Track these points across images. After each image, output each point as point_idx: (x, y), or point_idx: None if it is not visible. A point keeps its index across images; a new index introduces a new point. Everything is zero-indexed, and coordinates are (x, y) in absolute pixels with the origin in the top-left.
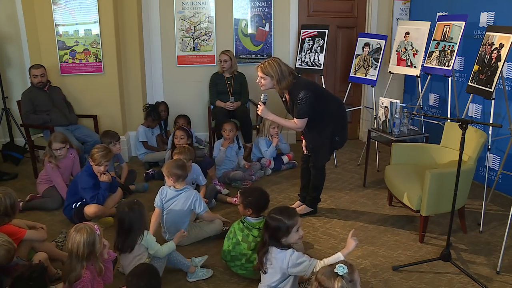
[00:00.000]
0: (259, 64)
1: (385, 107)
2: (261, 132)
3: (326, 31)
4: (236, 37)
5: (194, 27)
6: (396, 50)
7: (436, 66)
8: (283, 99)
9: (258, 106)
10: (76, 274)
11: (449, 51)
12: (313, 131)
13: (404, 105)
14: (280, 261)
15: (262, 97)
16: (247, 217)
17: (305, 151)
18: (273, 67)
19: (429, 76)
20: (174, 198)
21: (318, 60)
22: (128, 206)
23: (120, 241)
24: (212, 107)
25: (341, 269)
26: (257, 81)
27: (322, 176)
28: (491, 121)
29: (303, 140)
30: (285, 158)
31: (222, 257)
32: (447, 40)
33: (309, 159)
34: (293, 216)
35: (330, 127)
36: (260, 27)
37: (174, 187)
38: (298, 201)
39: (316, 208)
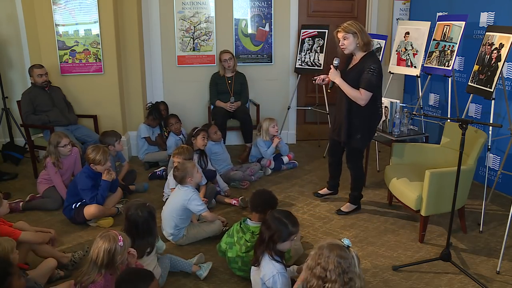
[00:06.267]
0: (337, 29)
1: (385, 107)
2: (260, 133)
3: (326, 31)
4: (236, 37)
5: (194, 27)
6: (396, 50)
7: (436, 66)
8: (348, 66)
9: (331, 69)
10: (89, 278)
11: (449, 51)
12: (363, 112)
13: (404, 105)
14: (264, 272)
15: (334, 61)
16: (247, 219)
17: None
18: (355, 24)
19: (429, 76)
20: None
21: (318, 60)
22: (146, 210)
23: (136, 246)
24: (212, 107)
25: (347, 241)
26: (340, 44)
27: (359, 174)
28: (491, 121)
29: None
30: (285, 158)
31: (218, 249)
32: (447, 40)
33: (336, 154)
34: (297, 225)
35: (374, 116)
36: (260, 27)
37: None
38: (326, 189)
39: (360, 204)
